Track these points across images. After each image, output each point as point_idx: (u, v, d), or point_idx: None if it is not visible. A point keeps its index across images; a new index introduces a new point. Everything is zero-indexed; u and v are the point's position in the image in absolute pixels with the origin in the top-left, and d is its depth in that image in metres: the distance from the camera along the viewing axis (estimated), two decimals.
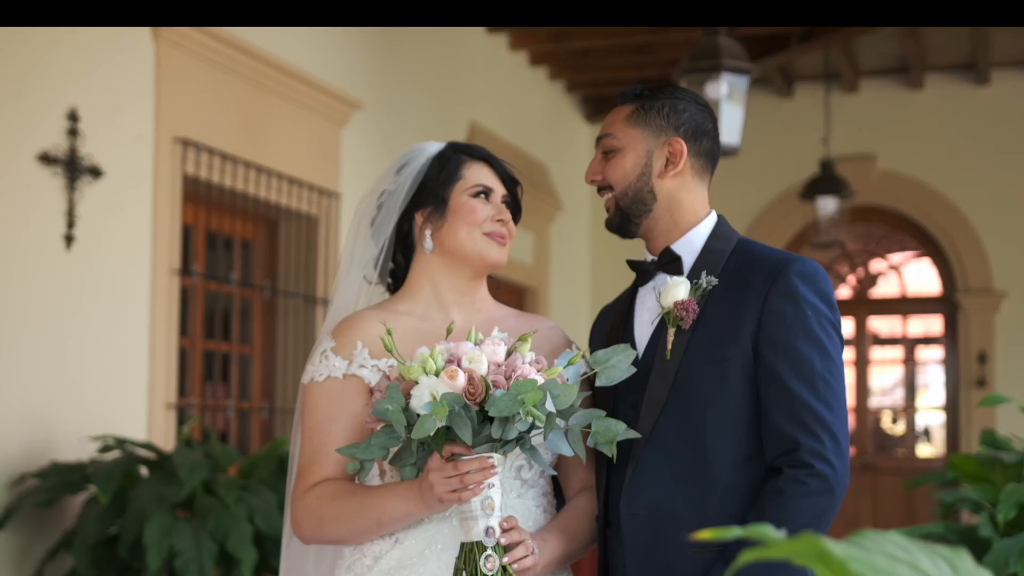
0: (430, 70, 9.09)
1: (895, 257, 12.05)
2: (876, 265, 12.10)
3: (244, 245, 7.48)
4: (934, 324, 11.97)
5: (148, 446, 5.60)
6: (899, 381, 12.28)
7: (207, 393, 7.10)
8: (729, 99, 6.82)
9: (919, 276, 11.98)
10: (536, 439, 2.50)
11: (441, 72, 9.27)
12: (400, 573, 2.65)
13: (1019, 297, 11.11)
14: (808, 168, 10.49)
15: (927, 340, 12.15)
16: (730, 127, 6.87)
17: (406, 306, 2.85)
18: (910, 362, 12.15)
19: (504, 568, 2.50)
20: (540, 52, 10.65)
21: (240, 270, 7.34)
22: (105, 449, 5.49)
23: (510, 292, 10.61)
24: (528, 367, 2.46)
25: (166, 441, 6.25)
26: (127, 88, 6.22)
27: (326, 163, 7.80)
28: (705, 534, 1.24)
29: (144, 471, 5.63)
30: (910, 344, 12.14)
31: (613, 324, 2.86)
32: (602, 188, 2.86)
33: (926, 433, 12.34)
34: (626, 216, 2.81)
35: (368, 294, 2.94)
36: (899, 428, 12.16)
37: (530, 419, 2.38)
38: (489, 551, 2.50)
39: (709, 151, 2.87)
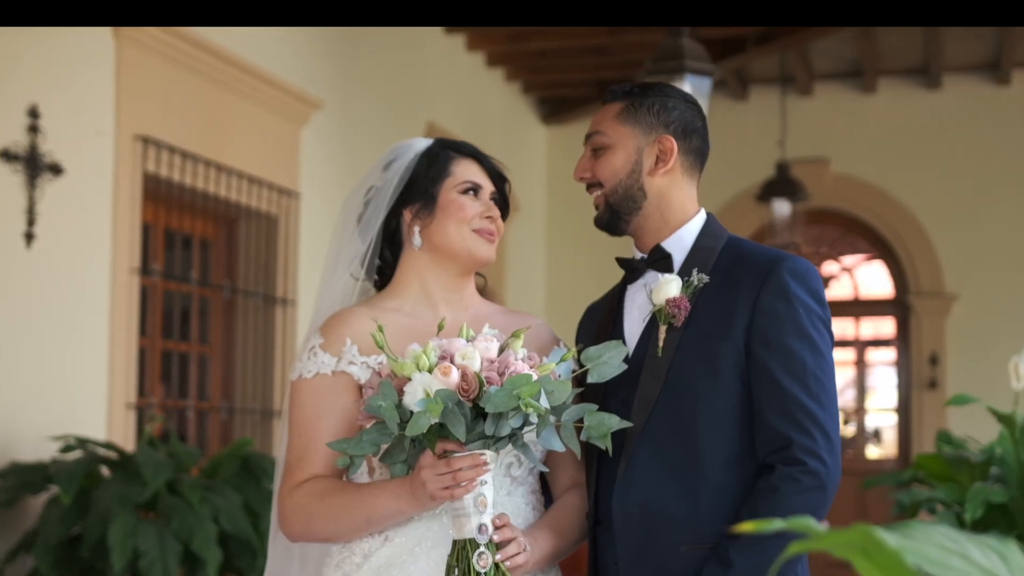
0: (389, 70, 9.07)
1: (848, 259, 12.13)
2: (829, 267, 12.18)
3: (203, 244, 7.43)
4: (886, 326, 12.06)
5: (110, 446, 5.56)
6: (850, 383, 12.36)
7: (166, 393, 7.04)
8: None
9: (871, 278, 12.07)
10: (528, 436, 2.50)
11: (399, 72, 9.24)
12: (390, 571, 2.64)
13: (970, 300, 11.22)
14: (764, 170, 10.55)
15: (878, 342, 12.24)
16: None
17: (394, 303, 2.84)
18: (861, 364, 12.24)
19: (496, 565, 2.49)
20: (497, 53, 10.64)
21: (199, 269, 7.29)
22: (67, 449, 5.43)
23: None
24: (521, 363, 2.45)
25: (126, 441, 6.20)
26: (88, 85, 6.17)
27: (286, 162, 7.76)
28: (747, 526, 1.24)
29: (106, 471, 5.57)
30: (861, 346, 12.23)
31: (602, 322, 2.86)
32: (591, 185, 2.86)
33: (876, 435, 12.44)
34: (616, 213, 2.81)
35: (354, 291, 2.92)
36: (849, 430, 12.25)
37: (530, 411, 2.37)
38: (482, 548, 2.49)
39: (699, 149, 2.87)
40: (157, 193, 6.68)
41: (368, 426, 2.54)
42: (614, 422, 2.48)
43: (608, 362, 2.53)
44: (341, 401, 2.72)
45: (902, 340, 11.63)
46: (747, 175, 11.01)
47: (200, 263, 7.35)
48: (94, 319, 6.16)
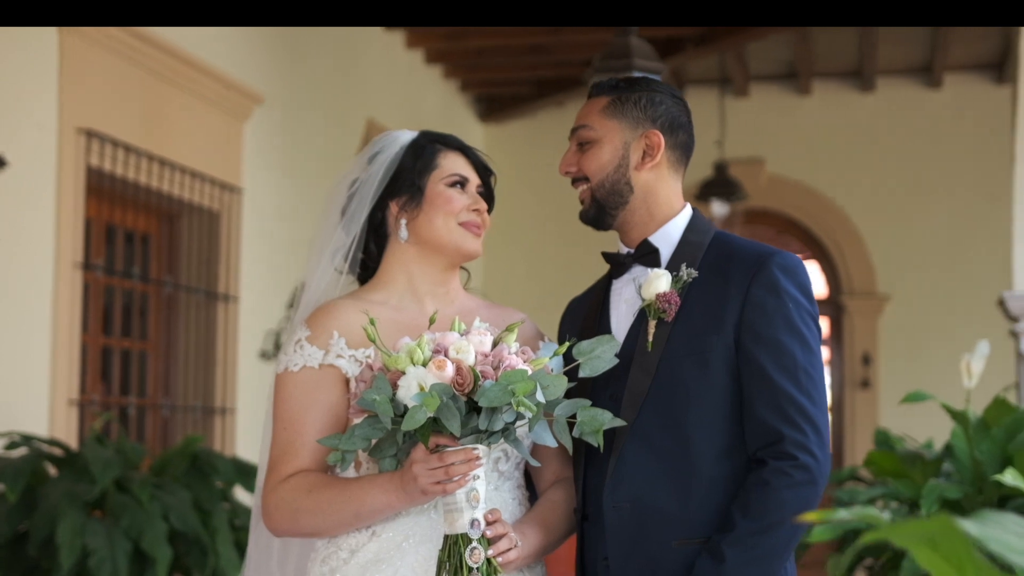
0: (329, 66, 9.02)
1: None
2: None
3: (144, 239, 7.34)
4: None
5: (55, 443, 5.48)
6: None
7: (106, 390, 6.96)
8: None
9: None
10: (519, 430, 2.48)
11: (340, 69, 9.20)
12: (378, 566, 2.61)
13: (902, 300, 11.35)
14: (702, 170, 10.60)
15: None
16: None
17: (380, 296, 2.81)
18: None
19: (488, 561, 2.48)
20: (435, 51, 10.62)
21: (140, 265, 7.20)
22: (12, 446, 5.35)
23: None
24: (515, 357, 2.44)
25: (68, 437, 6.11)
26: (31, 78, 6.08)
27: (228, 158, 7.69)
28: (811, 516, 1.24)
29: (51, 468, 5.49)
30: None
31: (587, 316, 2.85)
32: (576, 180, 2.84)
33: None
34: (602, 208, 2.80)
35: (338, 284, 2.89)
36: None
37: (521, 409, 2.36)
38: (474, 544, 2.47)
39: (685, 144, 2.88)
40: (100, 188, 6.60)
41: (359, 420, 2.51)
42: (607, 418, 2.47)
43: (600, 356, 2.52)
44: (328, 395, 2.69)
45: (835, 340, 11.74)
46: (686, 174, 11.04)
47: (141, 258, 7.26)
48: (36, 314, 6.07)
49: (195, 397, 7.39)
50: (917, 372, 10.87)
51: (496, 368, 2.42)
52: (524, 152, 11.73)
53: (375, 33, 9.71)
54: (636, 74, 6.82)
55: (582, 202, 2.86)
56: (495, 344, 2.49)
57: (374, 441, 2.51)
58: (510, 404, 2.36)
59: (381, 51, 9.89)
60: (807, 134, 11.63)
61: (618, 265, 2.84)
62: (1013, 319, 8.08)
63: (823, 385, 2.65)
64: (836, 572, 4.95)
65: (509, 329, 2.53)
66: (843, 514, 1.22)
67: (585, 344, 2.55)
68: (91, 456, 5.19)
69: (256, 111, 7.93)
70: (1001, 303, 8.19)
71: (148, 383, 7.33)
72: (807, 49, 10.74)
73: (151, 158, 6.83)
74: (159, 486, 5.35)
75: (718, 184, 10.07)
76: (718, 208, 9.92)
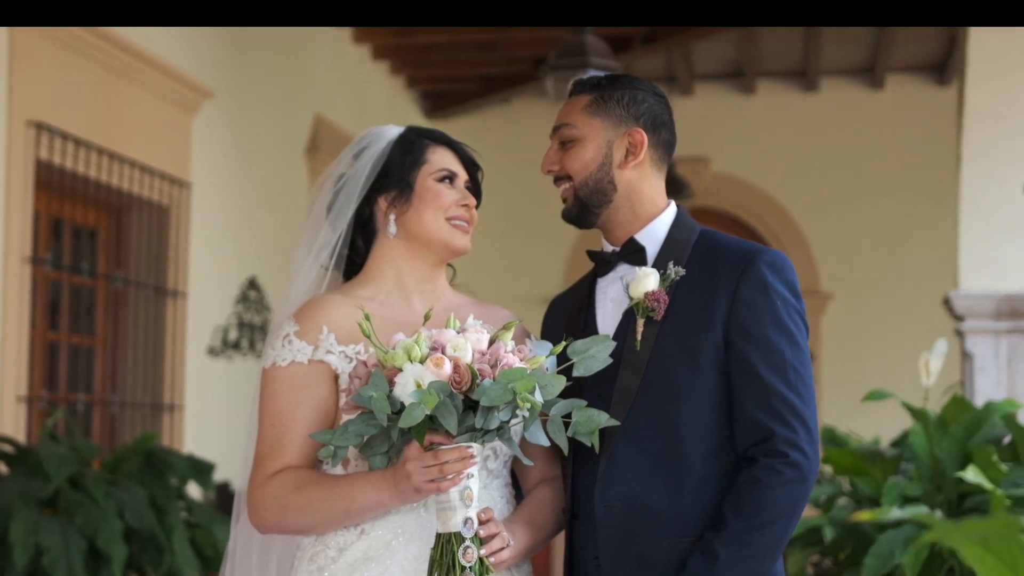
0: (278, 61, 8.95)
1: None
2: None
3: (92, 234, 7.26)
4: None
5: (6, 439, 5.40)
6: None
7: (53, 386, 6.86)
8: None
9: None
10: (511, 429, 2.47)
11: (288, 64, 9.13)
12: (367, 565, 2.59)
13: (845, 299, 11.44)
14: None
15: None
16: None
17: (367, 291, 2.79)
18: None
19: (481, 560, 2.46)
20: (382, 46, 10.58)
21: (88, 259, 7.11)
22: None
23: None
24: (512, 356, 2.43)
25: (16, 434, 6.02)
26: None
27: (177, 152, 7.61)
28: (864, 515, 1.23)
29: (1, 466, 5.41)
30: None
31: (571, 315, 2.84)
32: (559, 178, 2.83)
33: None
34: (585, 207, 2.80)
35: (324, 281, 2.86)
36: None
37: (526, 406, 2.34)
38: (468, 542, 2.46)
39: (667, 142, 2.88)
40: (49, 181, 6.51)
41: (352, 416, 2.49)
42: (603, 419, 2.47)
43: (595, 356, 2.52)
44: (317, 391, 2.66)
45: None
46: None
47: (89, 253, 7.18)
48: None
49: (143, 393, 7.32)
50: (860, 371, 10.97)
51: (493, 366, 2.41)
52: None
53: (322, 28, 9.65)
54: (591, 71, 6.83)
55: (564, 201, 2.85)
56: (491, 342, 2.48)
57: (365, 438, 2.49)
58: (507, 402, 2.35)
59: (328, 47, 9.83)
60: (752, 133, 11.69)
61: (603, 263, 2.83)
62: (958, 318, 8.16)
63: (811, 382, 2.66)
64: (794, 569, 4.98)
65: (506, 328, 2.53)
66: (896, 513, 1.21)
67: (580, 343, 2.55)
68: (45, 453, 5.12)
69: (205, 105, 7.85)
70: (947, 302, 8.27)
71: (96, 379, 7.25)
72: (753, 49, 10.80)
73: (100, 152, 6.75)
74: (114, 483, 5.29)
75: (666, 182, 10.08)
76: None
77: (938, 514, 3.80)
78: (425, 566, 2.56)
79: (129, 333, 7.32)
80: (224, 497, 7.06)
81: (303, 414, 2.66)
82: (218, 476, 6.35)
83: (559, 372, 2.51)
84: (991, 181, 8.17)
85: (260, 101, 8.71)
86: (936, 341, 4.92)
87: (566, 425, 2.47)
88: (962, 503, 4.79)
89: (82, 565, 4.99)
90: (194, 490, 6.16)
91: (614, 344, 2.58)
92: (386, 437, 2.46)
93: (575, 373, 2.53)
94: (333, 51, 9.91)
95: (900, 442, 5.21)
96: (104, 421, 7.21)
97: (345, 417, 2.57)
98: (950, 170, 10.89)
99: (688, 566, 2.54)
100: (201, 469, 5.57)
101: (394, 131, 2.90)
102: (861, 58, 11.30)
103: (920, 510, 1.17)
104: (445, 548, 2.46)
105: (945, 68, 11.34)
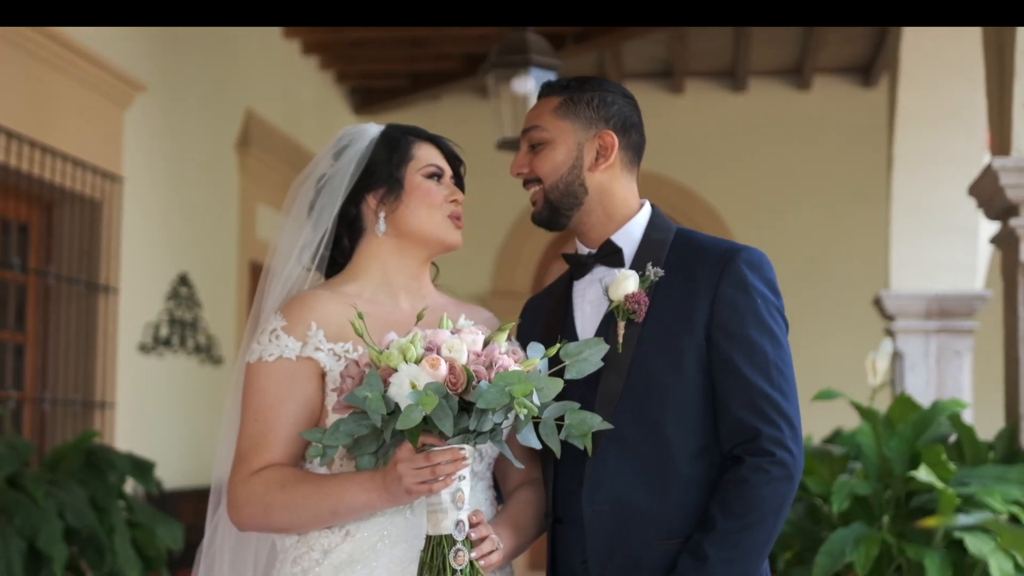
0: (209, 55, 8.85)
1: None
2: None
3: (22, 228, 7.12)
4: None
5: None
6: None
7: None
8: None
9: None
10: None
11: (219, 58, 9.03)
12: (352, 567, 2.55)
13: None
14: None
15: None
16: None
17: (353, 288, 2.75)
18: None
19: (471, 563, 2.43)
20: (312, 41, 10.50)
21: (18, 254, 6.98)
22: None
23: None
24: (507, 358, 2.41)
25: None
26: None
27: (109, 145, 7.50)
28: (932, 521, 1.23)
29: None
30: None
31: (548, 319, 2.81)
32: (528, 181, 2.81)
33: None
34: (556, 209, 2.77)
35: (307, 281, 2.82)
36: None
37: (522, 411, 2.32)
38: (459, 545, 2.42)
39: (637, 144, 2.86)
40: None
41: (344, 416, 2.45)
42: (596, 422, 2.45)
43: (588, 359, 2.50)
44: (304, 388, 2.62)
45: None
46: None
47: (19, 248, 7.04)
48: None
49: (75, 391, 7.19)
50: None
51: (488, 368, 2.38)
52: None
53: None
54: (533, 69, 6.82)
55: (534, 203, 2.83)
56: (486, 343, 2.45)
57: (355, 437, 2.45)
58: (503, 405, 2.33)
59: (259, 41, 9.74)
60: (680, 133, 11.74)
61: (579, 266, 2.81)
62: (889, 318, 8.26)
63: (794, 379, 2.67)
64: None
65: (501, 329, 2.50)
66: (964, 520, 1.21)
67: (573, 346, 2.53)
68: None
69: (137, 99, 7.74)
70: (877, 302, 8.37)
71: (26, 376, 7.11)
72: (682, 48, 10.85)
73: (32, 144, 6.63)
74: (53, 483, 5.19)
75: None
76: None
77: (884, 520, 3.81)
78: (411, 569, 2.53)
79: (60, 329, 7.19)
80: (160, 496, 6.95)
81: (288, 411, 2.61)
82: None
83: (551, 375, 2.49)
84: (922, 182, 8.27)
85: (191, 95, 8.60)
86: (883, 341, 4.95)
87: (558, 428, 2.44)
88: (909, 501, 4.83)
89: (22, 566, 4.89)
90: (133, 489, 6.06)
91: (607, 347, 2.57)
92: (375, 437, 2.43)
93: (567, 376, 2.50)
94: (263, 46, 9.81)
95: (832, 439, 5.25)
96: (35, 419, 7.08)
97: (335, 416, 2.53)
98: (876, 171, 11.03)
99: (678, 567, 2.53)
100: (142, 468, 5.49)
101: (375, 129, 2.86)
102: (789, 59, 11.40)
103: (987, 515, 1.16)
104: (436, 551, 2.42)
105: (871, 70, 11.47)
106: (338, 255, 2.81)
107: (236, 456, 2.65)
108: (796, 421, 2.61)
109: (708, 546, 2.51)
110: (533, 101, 7.03)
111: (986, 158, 8.46)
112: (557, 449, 2.47)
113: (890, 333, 8.21)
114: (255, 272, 9.74)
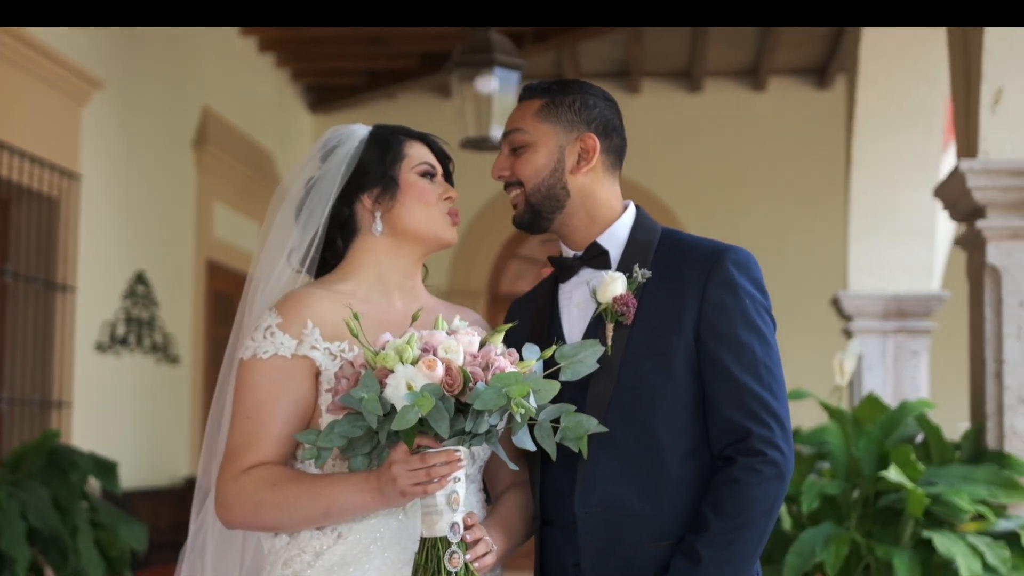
0: (167, 52, 8.78)
1: None
2: None
3: None
4: None
5: None
6: None
7: None
8: (501, 94, 6.86)
9: None
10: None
11: (176, 54, 8.96)
12: (344, 570, 2.52)
13: None
14: None
15: None
16: (502, 121, 6.92)
17: (348, 286, 2.72)
18: None
19: (466, 565, 2.42)
20: (269, 38, 10.44)
21: None
22: None
23: (233, 281, 10.35)
24: (503, 359, 2.39)
25: None
26: None
27: (66, 143, 7.42)
28: (971, 526, 1.22)
29: None
30: None
31: (535, 321, 2.79)
32: (509, 184, 2.79)
33: None
34: (537, 213, 2.75)
35: (297, 282, 2.78)
36: None
37: (521, 411, 2.31)
38: (454, 547, 2.40)
39: (619, 147, 2.85)
40: None
41: (339, 417, 2.43)
42: (591, 424, 2.44)
43: (583, 361, 2.49)
44: (298, 387, 2.59)
45: None
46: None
47: None
48: None
49: (32, 390, 7.12)
50: None
51: (485, 369, 2.37)
52: None
53: None
54: (497, 68, 6.81)
55: (514, 207, 2.81)
56: (481, 345, 2.44)
57: (348, 439, 2.42)
58: (500, 407, 2.31)
59: (216, 38, 9.68)
60: (635, 132, 11.63)
61: (565, 269, 2.79)
62: (847, 318, 8.31)
63: (783, 378, 2.67)
64: None
65: (497, 331, 2.48)
66: (1005, 524, 1.20)
67: (568, 347, 2.52)
68: None
69: (96, 95, 7.67)
70: (835, 302, 8.41)
71: None
72: (639, 49, 10.87)
73: None
74: (15, 483, 5.13)
75: None
76: None
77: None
78: (404, 571, 2.51)
79: (17, 328, 7.11)
80: (117, 496, 6.89)
81: (281, 409, 2.58)
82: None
83: (546, 376, 2.47)
84: (880, 183, 8.32)
85: (149, 92, 8.53)
86: (850, 342, 4.97)
87: (554, 430, 2.43)
88: (877, 501, 4.85)
89: None
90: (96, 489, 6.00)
91: (603, 349, 2.55)
92: (369, 439, 2.40)
93: (562, 377, 2.49)
94: (220, 43, 9.75)
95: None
96: None
97: (329, 417, 2.51)
98: (831, 172, 11.10)
99: (672, 569, 2.52)
100: (105, 468, 5.43)
101: (363, 130, 2.83)
102: (745, 60, 11.45)
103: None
104: (430, 553, 2.40)
105: (826, 71, 11.54)
106: (330, 256, 2.78)
107: (226, 453, 2.61)
108: (786, 420, 2.61)
109: (701, 547, 2.51)
110: (497, 101, 7.08)
111: (945, 160, 8.55)
112: (553, 451, 2.46)
113: (848, 333, 8.26)
114: (212, 270, 9.67)
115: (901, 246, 8.26)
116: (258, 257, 2.84)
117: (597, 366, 2.54)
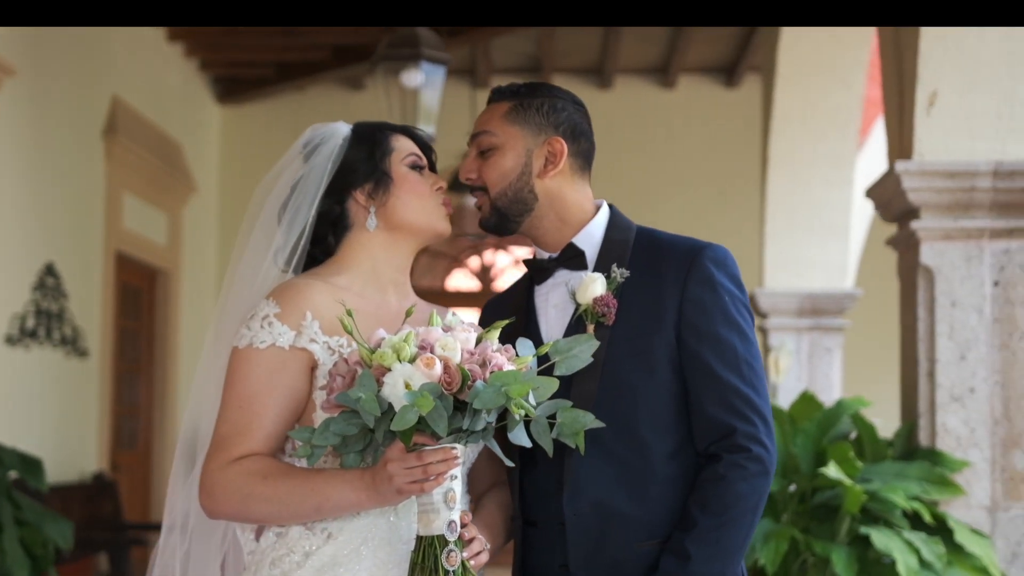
0: (77, 40, 8.62)
1: (519, 251, 12.39)
2: (501, 259, 12.38)
3: None
4: None
5: None
6: None
7: None
8: (426, 88, 6.82)
9: None
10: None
11: (86, 43, 8.80)
12: (334, 570, 2.48)
13: None
14: (453, 160, 10.58)
15: None
16: (427, 116, 6.89)
17: (343, 280, 2.66)
18: None
19: (463, 563, 2.39)
20: (178, 29, 10.29)
21: None
22: None
23: (142, 274, 10.20)
24: (500, 356, 2.36)
25: None
26: None
27: None
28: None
29: None
30: None
31: (512, 324, 2.76)
32: (476, 188, 2.77)
33: None
34: (504, 216, 2.73)
35: (278, 282, 2.72)
36: None
37: (519, 411, 2.29)
38: (451, 546, 2.37)
39: (587, 151, 2.83)
40: None
41: (333, 415, 2.38)
42: (588, 420, 2.42)
43: (578, 355, 2.47)
44: (293, 379, 2.53)
45: None
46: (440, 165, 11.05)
47: None
48: None
49: None
50: None
51: (482, 367, 2.34)
52: (261, 135, 11.54)
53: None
54: (423, 63, 6.78)
55: (479, 208, 2.79)
56: (478, 341, 2.41)
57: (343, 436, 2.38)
58: (499, 405, 2.29)
59: (125, 27, 9.51)
60: None
61: (541, 271, 2.77)
62: (762, 315, 8.39)
63: (763, 373, 2.68)
64: None
65: (494, 327, 2.46)
66: None
67: (563, 342, 2.50)
68: None
69: (7, 83, 7.50)
70: (751, 299, 8.50)
71: None
72: (550, 45, 10.90)
73: None
74: None
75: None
76: (470, 199, 9.94)
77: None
78: (394, 572, 2.48)
79: None
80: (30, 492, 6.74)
81: (274, 401, 2.52)
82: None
83: (539, 373, 2.46)
84: (795, 182, 8.42)
85: (59, 81, 8.37)
86: (783, 340, 5.02)
87: (550, 426, 2.41)
88: (814, 497, 4.90)
89: None
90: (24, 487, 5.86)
91: (598, 343, 2.54)
92: (364, 436, 2.37)
93: (556, 372, 2.47)
94: (130, 32, 9.58)
95: None
96: None
97: (323, 414, 2.46)
98: (742, 169, 11.22)
99: (661, 567, 2.52)
100: (31, 465, 5.31)
101: (344, 127, 2.79)
102: (655, 58, 11.52)
103: None
104: (427, 551, 2.37)
105: (735, 71, 11.65)
106: (319, 252, 2.73)
107: (214, 442, 2.55)
108: (768, 415, 2.62)
109: (689, 544, 2.51)
110: (423, 94, 7.03)
111: (860, 159, 8.67)
112: (549, 448, 2.44)
113: (763, 331, 8.35)
114: (121, 262, 9.52)
115: (816, 244, 8.37)
116: (238, 258, 2.78)
117: (592, 360, 2.52)
